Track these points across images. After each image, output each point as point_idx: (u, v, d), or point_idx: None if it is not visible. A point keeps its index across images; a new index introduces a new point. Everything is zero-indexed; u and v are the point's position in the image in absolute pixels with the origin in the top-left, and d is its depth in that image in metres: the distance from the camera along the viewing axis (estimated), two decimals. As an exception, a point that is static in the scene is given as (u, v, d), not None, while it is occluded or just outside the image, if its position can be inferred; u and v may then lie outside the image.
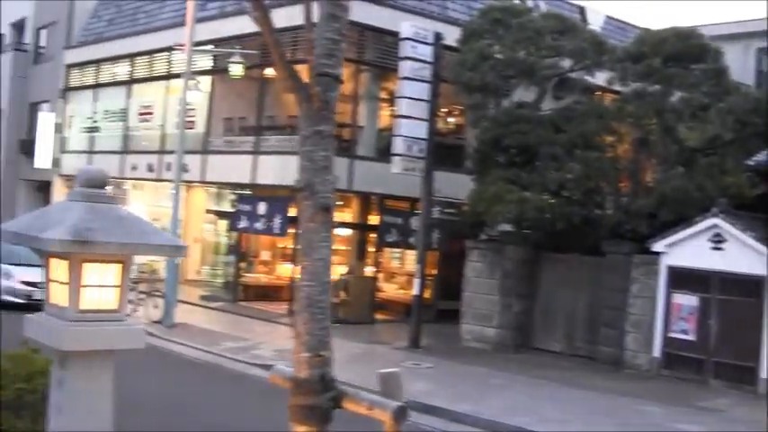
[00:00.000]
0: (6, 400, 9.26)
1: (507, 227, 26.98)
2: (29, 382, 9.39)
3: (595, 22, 37.84)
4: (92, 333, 6.43)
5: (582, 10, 40.02)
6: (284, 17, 20.05)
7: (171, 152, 32.86)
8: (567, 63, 27.49)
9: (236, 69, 30.51)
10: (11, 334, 16.15)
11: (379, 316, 31.49)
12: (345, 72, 5.74)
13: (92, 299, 6.43)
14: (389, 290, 33.91)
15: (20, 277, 29.38)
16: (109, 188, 6.64)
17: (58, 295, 6.53)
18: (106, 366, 6.70)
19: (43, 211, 6.97)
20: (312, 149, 5.68)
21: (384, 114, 32.48)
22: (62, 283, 6.45)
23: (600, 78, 28.14)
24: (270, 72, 33.59)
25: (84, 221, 6.13)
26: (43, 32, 50.71)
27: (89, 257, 6.28)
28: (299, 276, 6.09)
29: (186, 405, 17.20)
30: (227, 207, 35.98)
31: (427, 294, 29.38)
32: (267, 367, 21.39)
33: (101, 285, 6.44)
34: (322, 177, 5.68)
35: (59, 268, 6.46)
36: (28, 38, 52.52)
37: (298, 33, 24.41)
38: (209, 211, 38.16)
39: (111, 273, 6.46)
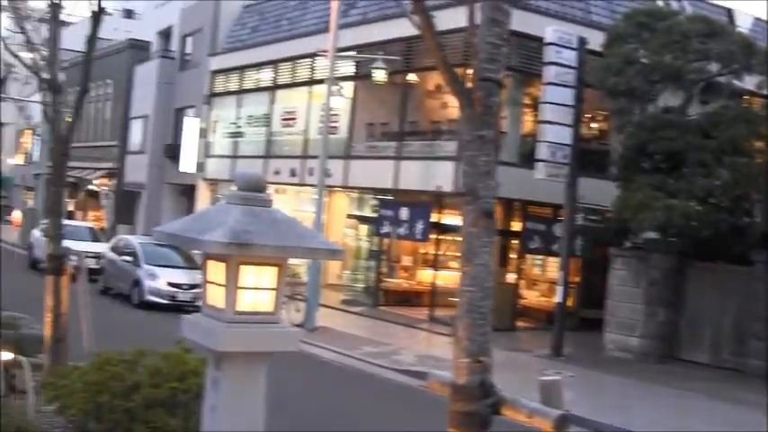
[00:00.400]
0: (161, 399, 9.44)
1: (652, 234, 26.58)
2: (182, 381, 9.57)
3: (743, 25, 37.03)
4: (247, 335, 6.47)
5: (729, 12, 39.18)
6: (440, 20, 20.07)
7: (314, 157, 33.17)
8: (714, 67, 26.92)
9: (380, 75, 30.69)
10: (163, 333, 16.42)
11: (520, 323, 31.29)
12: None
13: (248, 301, 6.47)
14: (531, 297, 33.68)
15: (164, 278, 30.06)
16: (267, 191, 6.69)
17: (215, 297, 6.58)
18: (260, 368, 6.74)
19: (201, 213, 7.07)
20: (474, 154, 5.62)
21: (527, 120, 32.25)
22: (219, 284, 6.51)
23: (749, 82, 27.53)
24: (412, 78, 33.71)
25: (241, 224, 6.17)
26: (189, 40, 51.64)
27: (246, 260, 6.32)
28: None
29: (328, 408, 17.31)
30: (368, 212, 36.18)
31: (569, 302, 29.03)
32: (408, 372, 21.57)
33: (257, 288, 6.48)
34: (484, 182, 5.62)
35: (217, 270, 6.52)
36: (174, 45, 53.57)
37: (448, 37, 24.40)
38: (350, 216, 38.38)
39: (268, 275, 6.50)
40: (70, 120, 12.75)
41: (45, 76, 12.41)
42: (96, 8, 11.70)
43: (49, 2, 12.23)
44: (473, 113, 5.58)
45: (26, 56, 12.94)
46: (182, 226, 6.74)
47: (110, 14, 12.41)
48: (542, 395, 5.64)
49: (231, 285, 6.39)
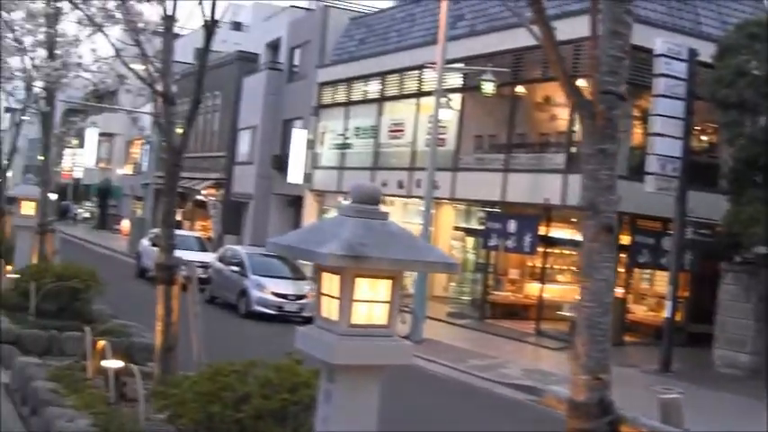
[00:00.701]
0: (271, 410, 9.46)
1: (763, 249, 26.08)
2: (293, 392, 9.57)
3: None
4: (362, 348, 6.48)
5: None
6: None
7: (421, 169, 33.18)
8: (829, 78, 26.33)
9: (488, 87, 30.56)
10: (270, 343, 16.49)
11: (627, 338, 30.86)
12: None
13: (362, 314, 6.48)
14: (638, 311, 33.21)
15: (271, 288, 30.22)
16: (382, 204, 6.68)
17: (330, 309, 6.60)
18: (373, 381, 6.75)
19: (316, 225, 7.11)
20: (596, 168, 5.55)
21: (636, 132, 31.84)
22: (333, 297, 6.52)
23: None
24: (520, 89, 33.51)
25: (357, 237, 6.18)
26: (297, 52, 51.98)
27: (361, 272, 6.33)
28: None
29: (438, 421, 17.25)
30: (475, 224, 36.08)
31: (678, 317, 28.59)
32: (515, 386, 21.41)
33: (372, 301, 6.48)
34: (606, 197, 5.55)
35: (331, 282, 6.54)
36: (282, 57, 53.95)
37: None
38: (456, 228, 38.31)
39: (383, 288, 6.49)
40: (183, 131, 12.87)
41: (158, 87, 12.52)
42: (209, 20, 11.80)
43: (163, 15, 12.34)
44: (594, 127, 5.50)
45: (139, 68, 13.09)
46: (297, 238, 6.77)
47: (219, 27, 12.47)
48: (662, 413, 5.54)
49: (346, 298, 6.40)
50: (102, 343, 12.54)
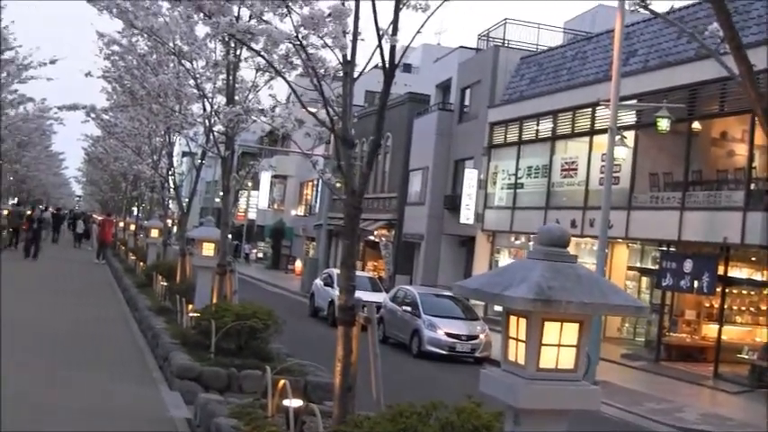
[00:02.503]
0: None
1: None
2: (475, 435, 9.55)
3: None
4: (549, 392, 6.44)
5: None
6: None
7: (595, 208, 32.85)
8: None
9: (664, 123, 30.05)
10: (444, 384, 16.46)
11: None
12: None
13: (550, 358, 6.44)
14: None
15: (444, 329, 30.24)
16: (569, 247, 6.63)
17: (516, 352, 6.57)
18: (559, 426, 6.71)
19: (503, 268, 7.07)
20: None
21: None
22: (520, 340, 6.49)
23: None
24: (696, 126, 32.87)
25: (546, 280, 6.15)
26: (467, 92, 52.17)
27: (550, 316, 6.30)
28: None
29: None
30: (649, 264, 35.54)
31: None
32: (692, 431, 20.91)
33: (559, 345, 6.43)
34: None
35: (518, 326, 6.51)
36: (452, 98, 54.20)
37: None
38: (630, 268, 37.77)
39: (570, 332, 6.45)
40: (361, 173, 12.97)
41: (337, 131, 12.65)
42: (388, 64, 11.88)
43: (343, 60, 12.48)
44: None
45: (314, 110, 13.26)
46: (484, 281, 6.77)
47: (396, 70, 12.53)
48: None
49: (533, 342, 6.37)
50: (282, 381, 12.68)
